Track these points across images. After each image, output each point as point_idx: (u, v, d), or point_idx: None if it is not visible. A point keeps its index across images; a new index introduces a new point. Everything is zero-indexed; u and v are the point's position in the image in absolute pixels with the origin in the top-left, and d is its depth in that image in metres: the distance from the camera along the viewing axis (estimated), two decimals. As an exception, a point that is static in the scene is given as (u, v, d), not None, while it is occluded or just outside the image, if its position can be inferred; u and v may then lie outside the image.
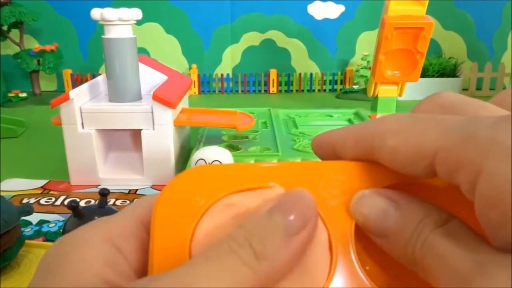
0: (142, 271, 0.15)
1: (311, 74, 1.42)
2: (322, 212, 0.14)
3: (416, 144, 0.13)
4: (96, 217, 0.37)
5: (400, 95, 0.94)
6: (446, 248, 0.12)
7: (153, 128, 0.64)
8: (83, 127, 0.65)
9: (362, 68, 1.33)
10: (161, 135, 0.64)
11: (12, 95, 1.26)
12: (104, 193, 0.39)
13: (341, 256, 0.14)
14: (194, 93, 1.41)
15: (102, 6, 0.65)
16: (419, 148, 0.12)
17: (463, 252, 0.11)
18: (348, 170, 0.15)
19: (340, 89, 1.41)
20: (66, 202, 0.60)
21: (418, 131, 0.13)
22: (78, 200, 0.46)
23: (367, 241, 0.14)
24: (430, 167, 0.12)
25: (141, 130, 0.65)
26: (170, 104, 0.63)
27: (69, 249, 0.14)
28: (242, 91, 1.43)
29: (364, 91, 1.25)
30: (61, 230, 0.47)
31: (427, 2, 0.90)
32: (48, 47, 1.31)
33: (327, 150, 0.16)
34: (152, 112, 0.64)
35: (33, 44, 1.37)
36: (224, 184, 0.14)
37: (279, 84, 1.42)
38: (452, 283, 0.11)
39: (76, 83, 1.37)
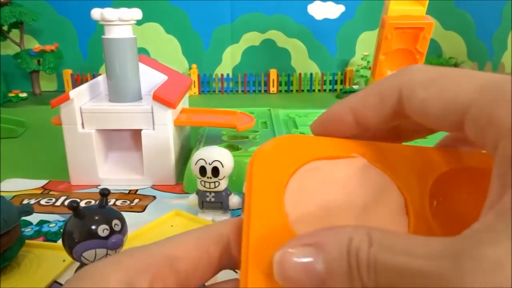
0: None
1: (311, 74, 1.42)
2: (399, 182, 0.16)
3: (449, 97, 0.12)
4: (96, 217, 0.37)
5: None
6: (401, 260, 0.10)
7: (153, 128, 0.64)
8: (83, 127, 0.65)
9: (362, 68, 1.33)
10: (161, 135, 0.65)
11: (12, 95, 1.26)
12: (104, 193, 0.39)
13: (418, 218, 0.15)
14: (194, 93, 1.41)
15: (102, 6, 0.65)
16: (452, 102, 0.12)
17: (424, 255, 0.10)
18: (421, 151, 0.17)
19: (340, 89, 1.41)
20: (66, 203, 0.60)
21: (451, 84, 0.12)
22: (78, 200, 0.46)
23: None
24: (459, 122, 0.12)
25: (141, 130, 0.65)
26: (170, 104, 0.63)
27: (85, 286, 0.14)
28: (242, 91, 1.43)
29: (364, 91, 1.25)
30: (61, 230, 0.47)
31: (427, 2, 0.90)
32: (48, 47, 1.31)
33: (337, 123, 0.16)
34: (152, 112, 0.64)
35: (33, 44, 1.37)
36: (311, 151, 0.16)
37: (279, 84, 1.42)
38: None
39: (76, 83, 1.37)
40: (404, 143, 0.17)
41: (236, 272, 0.16)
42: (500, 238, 0.09)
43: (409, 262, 0.10)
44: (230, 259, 0.16)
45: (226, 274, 0.17)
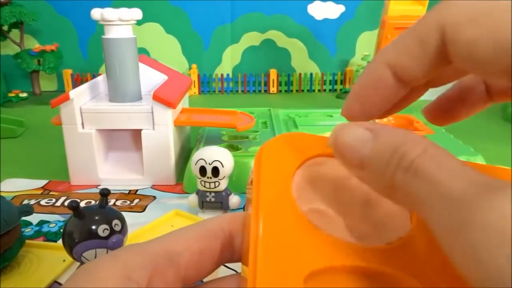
0: None
1: (311, 74, 1.42)
2: None
3: (501, 35, 0.10)
4: (96, 217, 0.37)
5: (400, 95, 0.94)
6: (435, 171, 0.10)
7: (153, 128, 0.64)
8: (83, 127, 0.65)
9: (362, 68, 1.33)
10: (161, 135, 0.65)
11: (12, 95, 1.26)
12: (104, 193, 0.39)
13: None
14: (194, 93, 1.41)
15: (102, 6, 0.65)
16: (503, 40, 0.10)
17: (455, 175, 0.10)
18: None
19: (340, 89, 1.41)
20: (66, 203, 0.60)
21: (502, 19, 0.10)
22: (78, 200, 0.46)
23: None
24: (510, 68, 0.10)
25: (141, 130, 0.65)
26: (170, 104, 0.63)
27: (85, 280, 0.14)
28: (242, 91, 1.43)
29: (364, 91, 1.25)
30: (61, 230, 0.47)
31: (427, 2, 0.90)
32: (48, 47, 1.31)
33: (376, 86, 0.14)
34: (152, 112, 0.64)
35: (33, 44, 1.37)
36: (315, 147, 0.17)
37: (279, 84, 1.42)
38: (446, 208, 0.10)
39: (76, 83, 1.37)
40: None
41: (236, 272, 0.16)
42: None
43: (448, 180, 0.10)
44: (232, 252, 0.16)
45: (223, 271, 0.17)
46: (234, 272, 0.17)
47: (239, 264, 0.16)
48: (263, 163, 0.16)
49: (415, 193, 0.11)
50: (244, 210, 0.57)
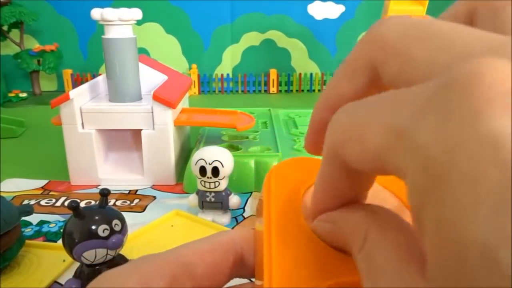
0: None
1: (311, 74, 1.42)
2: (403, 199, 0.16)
3: (363, 145, 0.10)
4: (96, 217, 0.37)
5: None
6: (362, 273, 0.11)
7: (153, 128, 0.64)
8: (83, 127, 0.65)
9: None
10: (161, 135, 0.64)
11: (12, 95, 1.26)
12: (104, 193, 0.39)
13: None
14: (194, 93, 1.41)
15: (102, 6, 0.65)
16: (368, 151, 0.10)
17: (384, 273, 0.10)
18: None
19: (340, 89, 1.41)
20: (66, 203, 0.60)
21: (360, 125, 0.11)
22: (78, 200, 0.46)
23: None
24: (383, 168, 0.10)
25: (141, 130, 0.65)
26: (170, 104, 0.63)
27: None
28: (242, 91, 1.43)
29: (364, 91, 1.25)
30: (61, 230, 0.47)
31: (427, 2, 0.90)
32: (48, 47, 1.31)
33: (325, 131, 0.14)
34: (152, 112, 0.64)
35: (33, 44, 1.37)
36: None
37: (279, 84, 1.42)
38: None
39: (76, 83, 1.37)
40: None
41: (251, 281, 0.17)
42: None
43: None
44: (242, 268, 0.16)
45: (236, 280, 0.18)
46: (247, 281, 0.17)
47: None
48: (273, 184, 0.17)
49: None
50: (243, 210, 0.57)
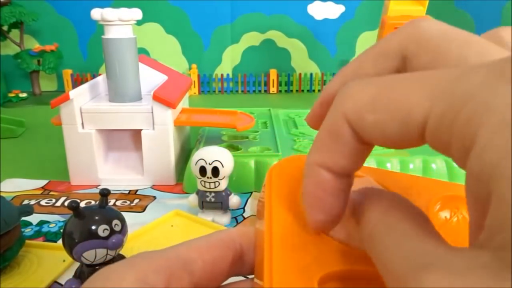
0: None
1: (311, 74, 1.42)
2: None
3: (402, 114, 0.11)
4: (96, 217, 0.37)
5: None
6: (382, 244, 0.11)
7: (153, 128, 0.64)
8: (83, 127, 0.65)
9: (362, 68, 1.33)
10: (161, 135, 0.64)
11: (12, 95, 1.26)
12: (104, 193, 0.39)
13: None
14: (194, 93, 1.41)
15: (102, 6, 0.65)
16: (406, 119, 0.11)
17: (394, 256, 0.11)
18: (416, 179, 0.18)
19: (340, 89, 1.41)
20: (66, 203, 0.60)
21: (401, 96, 0.11)
22: (78, 200, 0.46)
23: None
24: (423, 137, 0.11)
25: (141, 130, 0.65)
26: (170, 104, 0.63)
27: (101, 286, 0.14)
28: (242, 91, 1.43)
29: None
30: (61, 230, 0.47)
31: (427, 2, 0.90)
32: (48, 47, 1.31)
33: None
34: (152, 112, 0.64)
35: (33, 44, 1.37)
36: None
37: (279, 84, 1.42)
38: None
39: (76, 83, 1.37)
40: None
41: (246, 277, 0.17)
42: None
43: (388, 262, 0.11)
44: (241, 265, 0.16)
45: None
46: (243, 278, 0.17)
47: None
48: (274, 183, 0.17)
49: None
50: (243, 210, 0.57)
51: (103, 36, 0.65)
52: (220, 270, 0.16)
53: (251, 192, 0.63)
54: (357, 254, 0.14)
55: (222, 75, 1.42)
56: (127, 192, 0.64)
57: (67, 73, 1.38)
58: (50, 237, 0.51)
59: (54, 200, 0.61)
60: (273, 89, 1.41)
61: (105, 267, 0.15)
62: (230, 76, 1.43)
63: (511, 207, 0.08)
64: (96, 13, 0.64)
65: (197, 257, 0.15)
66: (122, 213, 0.40)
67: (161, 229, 0.52)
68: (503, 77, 0.09)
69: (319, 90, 1.43)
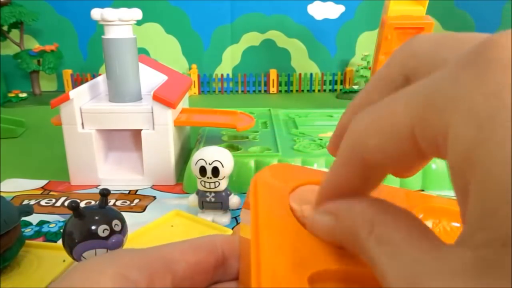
0: None
1: (311, 74, 1.42)
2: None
3: (394, 134, 0.11)
4: (96, 217, 0.37)
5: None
6: (375, 255, 0.11)
7: (153, 128, 0.64)
8: (83, 127, 0.65)
9: (362, 68, 1.33)
10: (161, 135, 0.64)
11: (12, 95, 1.26)
12: (104, 193, 0.39)
13: None
14: (194, 93, 1.41)
15: (102, 6, 0.65)
16: (398, 137, 0.11)
17: (394, 255, 0.11)
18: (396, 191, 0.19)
19: (340, 89, 1.41)
20: (66, 203, 0.60)
21: (388, 119, 0.11)
22: (78, 201, 0.46)
23: None
24: (420, 150, 0.11)
25: (141, 130, 0.65)
26: (170, 104, 0.63)
27: (81, 278, 0.14)
28: (242, 91, 1.43)
29: (364, 91, 1.25)
30: (61, 230, 0.47)
31: (427, 2, 0.90)
32: (48, 47, 1.31)
33: None
34: (152, 112, 0.64)
35: (33, 44, 1.37)
36: (306, 176, 0.18)
37: (279, 84, 1.42)
38: None
39: (76, 83, 1.37)
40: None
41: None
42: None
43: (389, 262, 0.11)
44: (224, 271, 0.16)
45: None
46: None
47: None
48: (259, 189, 0.17)
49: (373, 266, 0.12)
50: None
51: (103, 36, 0.65)
52: (203, 273, 0.16)
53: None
54: (346, 253, 0.14)
55: (222, 75, 1.42)
56: (127, 192, 0.64)
57: (67, 73, 1.38)
58: (50, 237, 0.51)
59: (54, 200, 0.61)
60: (273, 89, 1.41)
61: (83, 261, 0.14)
62: (230, 76, 1.43)
63: (487, 203, 0.08)
64: (96, 13, 0.64)
65: (180, 258, 0.15)
66: (122, 213, 0.40)
67: (161, 229, 0.52)
68: (466, 65, 0.10)
69: (319, 90, 1.43)
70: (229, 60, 1.44)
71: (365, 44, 1.43)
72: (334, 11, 1.41)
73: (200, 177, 0.52)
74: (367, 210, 0.13)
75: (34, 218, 0.54)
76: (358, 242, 0.12)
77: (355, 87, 1.39)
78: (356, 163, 0.13)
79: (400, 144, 0.11)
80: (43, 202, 0.60)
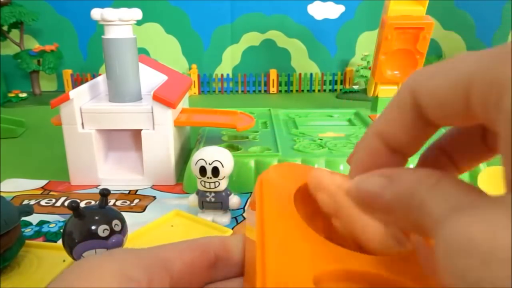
0: None
1: (311, 74, 1.42)
2: None
3: (453, 76, 0.12)
4: (96, 217, 0.37)
5: (400, 95, 0.94)
6: (434, 205, 0.11)
7: (153, 128, 0.64)
8: (83, 127, 0.65)
9: (362, 68, 1.33)
10: (161, 135, 0.64)
11: (12, 95, 1.26)
12: (104, 194, 0.39)
13: None
14: (194, 93, 1.41)
15: (102, 6, 0.65)
16: (455, 81, 0.11)
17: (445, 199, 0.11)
18: None
19: (340, 89, 1.41)
20: (66, 203, 0.60)
21: (453, 65, 0.12)
22: (78, 201, 0.46)
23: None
24: (468, 102, 0.11)
25: (141, 130, 0.65)
26: (170, 104, 0.63)
27: (81, 277, 0.14)
28: (242, 91, 1.43)
29: (364, 91, 1.25)
30: (61, 230, 0.47)
31: (427, 2, 0.90)
32: (48, 47, 1.31)
33: (371, 155, 0.15)
34: (152, 112, 0.64)
35: (33, 44, 1.37)
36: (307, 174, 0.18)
37: (279, 84, 1.42)
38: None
39: (76, 83, 1.37)
40: None
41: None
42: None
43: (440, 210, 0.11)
44: (216, 272, 0.17)
45: None
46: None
47: None
48: (265, 188, 0.17)
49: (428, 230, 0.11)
50: (243, 210, 0.57)
51: (103, 36, 0.65)
52: (199, 273, 0.16)
53: (251, 192, 0.63)
54: (351, 254, 0.14)
55: (222, 75, 1.42)
56: (127, 192, 0.64)
57: (67, 73, 1.38)
58: (50, 237, 0.51)
59: (54, 200, 0.61)
60: (273, 89, 1.41)
61: (82, 259, 0.14)
62: (230, 76, 1.43)
63: None
64: (96, 13, 0.64)
65: (177, 257, 0.15)
66: (122, 213, 0.40)
67: (161, 229, 0.52)
68: None
69: (319, 90, 1.43)
70: (229, 60, 1.44)
71: (365, 44, 1.43)
72: (334, 11, 1.41)
73: (200, 177, 0.52)
74: (430, 171, 0.12)
75: (34, 218, 0.54)
76: (415, 199, 0.12)
77: (355, 87, 1.39)
78: (406, 105, 0.13)
79: (455, 92, 0.11)
80: (43, 202, 0.60)
